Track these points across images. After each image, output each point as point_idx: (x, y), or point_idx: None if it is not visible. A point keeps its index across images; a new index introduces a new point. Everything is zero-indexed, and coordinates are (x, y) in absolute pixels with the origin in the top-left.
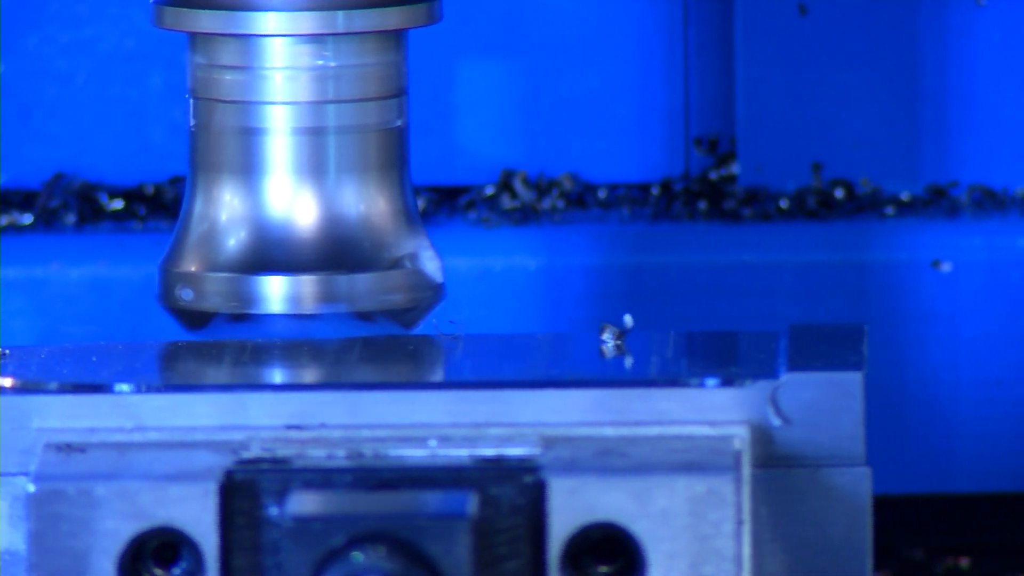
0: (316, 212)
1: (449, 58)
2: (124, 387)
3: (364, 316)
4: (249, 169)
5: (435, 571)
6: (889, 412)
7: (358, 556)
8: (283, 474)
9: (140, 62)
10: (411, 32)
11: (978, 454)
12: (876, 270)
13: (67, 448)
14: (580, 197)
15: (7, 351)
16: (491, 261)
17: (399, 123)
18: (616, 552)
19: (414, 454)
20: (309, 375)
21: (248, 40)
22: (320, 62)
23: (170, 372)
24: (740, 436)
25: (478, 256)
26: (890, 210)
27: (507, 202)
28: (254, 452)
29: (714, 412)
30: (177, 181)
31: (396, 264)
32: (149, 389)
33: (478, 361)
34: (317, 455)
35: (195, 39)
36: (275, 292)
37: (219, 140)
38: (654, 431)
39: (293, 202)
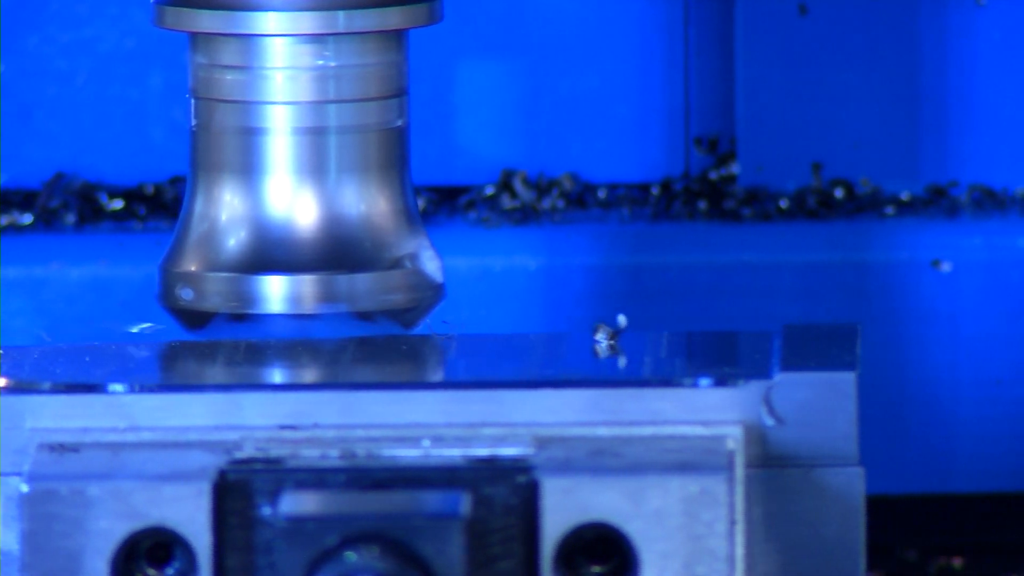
0: (316, 212)
1: (449, 58)
2: (118, 387)
3: (364, 316)
4: (250, 169)
5: (428, 571)
6: (889, 412)
7: (351, 556)
8: (276, 474)
9: (140, 62)
10: (411, 32)
11: (978, 454)
12: (876, 270)
13: (60, 448)
14: (580, 197)
15: (0, 351)
16: (491, 261)
17: (400, 123)
18: (609, 552)
19: (407, 454)
20: (303, 375)
21: (249, 40)
22: (321, 62)
23: (164, 372)
24: (733, 436)
25: (478, 256)
26: (890, 210)
27: (507, 202)
28: (247, 452)
29: (707, 412)
30: (177, 181)
31: (396, 264)
32: (142, 389)
33: (472, 361)
34: (310, 455)
35: (196, 39)
36: (275, 292)
37: (220, 140)
38: (647, 431)
39: (293, 202)
